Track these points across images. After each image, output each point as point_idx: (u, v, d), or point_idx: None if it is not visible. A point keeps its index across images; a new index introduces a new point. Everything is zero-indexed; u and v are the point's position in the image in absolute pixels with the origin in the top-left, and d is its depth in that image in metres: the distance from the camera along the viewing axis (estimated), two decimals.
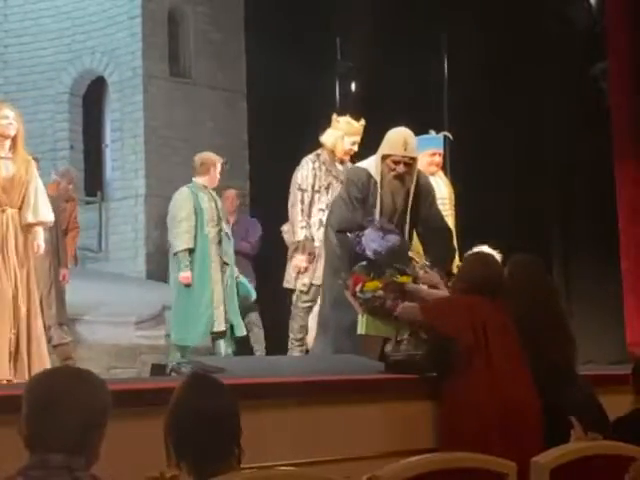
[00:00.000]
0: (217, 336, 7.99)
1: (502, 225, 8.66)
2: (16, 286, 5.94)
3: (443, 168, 7.65)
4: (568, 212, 9.41)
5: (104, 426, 2.60)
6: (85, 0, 13.03)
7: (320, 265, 7.06)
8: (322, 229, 7.09)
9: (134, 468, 3.04)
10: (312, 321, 7.25)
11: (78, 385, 2.57)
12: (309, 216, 7.22)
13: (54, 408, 2.51)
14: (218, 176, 8.14)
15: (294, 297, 7.38)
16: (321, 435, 4.43)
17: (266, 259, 9.04)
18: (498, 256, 6.60)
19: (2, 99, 9.81)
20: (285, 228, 7.43)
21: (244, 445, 2.89)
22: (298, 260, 7.21)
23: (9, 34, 13.32)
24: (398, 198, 6.13)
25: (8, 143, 6.08)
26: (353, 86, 10.98)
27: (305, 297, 7.30)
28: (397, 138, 6.08)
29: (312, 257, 7.17)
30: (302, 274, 7.26)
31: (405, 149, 6.05)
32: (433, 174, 7.11)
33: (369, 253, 5.77)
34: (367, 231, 5.87)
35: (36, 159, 8.21)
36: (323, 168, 7.26)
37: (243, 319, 8.40)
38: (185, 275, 7.81)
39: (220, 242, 8.00)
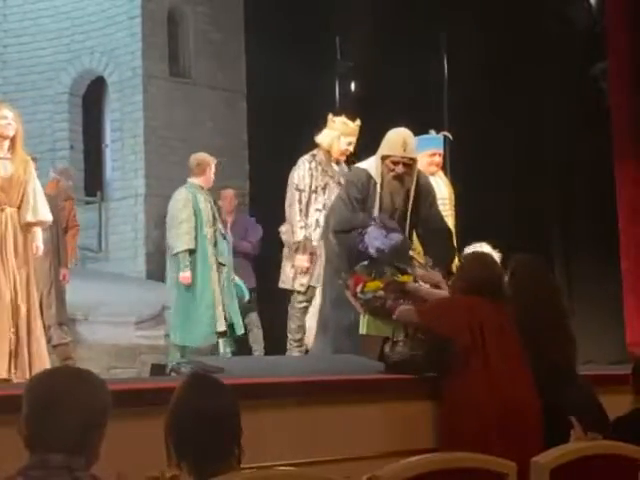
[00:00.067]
0: (218, 336, 7.99)
1: (502, 225, 8.65)
2: (15, 286, 5.93)
3: (443, 168, 7.65)
4: (568, 212, 9.41)
5: (104, 426, 2.60)
6: (84, 0, 13.03)
7: (318, 266, 7.07)
8: (319, 229, 7.10)
9: (134, 468, 3.04)
10: (310, 321, 7.25)
11: (78, 385, 2.57)
12: (307, 216, 7.22)
13: (54, 408, 2.51)
14: (213, 176, 8.15)
15: (291, 297, 7.39)
16: (321, 435, 4.43)
17: (266, 259, 9.03)
18: (497, 255, 6.61)
19: (1, 99, 9.82)
20: (283, 229, 7.42)
21: (244, 445, 2.89)
22: (299, 260, 7.21)
23: (8, 34, 13.32)
24: (398, 198, 6.13)
25: (7, 143, 6.09)
26: (353, 86, 10.98)
27: (301, 297, 7.30)
28: (396, 139, 6.08)
29: (313, 257, 7.17)
30: (303, 274, 7.25)
31: (404, 150, 6.05)
32: (433, 174, 7.11)
33: (372, 251, 5.77)
34: (370, 229, 5.87)
35: (35, 159, 8.22)
36: (319, 168, 7.26)
37: (243, 319, 8.40)
38: (185, 275, 7.81)
39: (216, 243, 8.01)
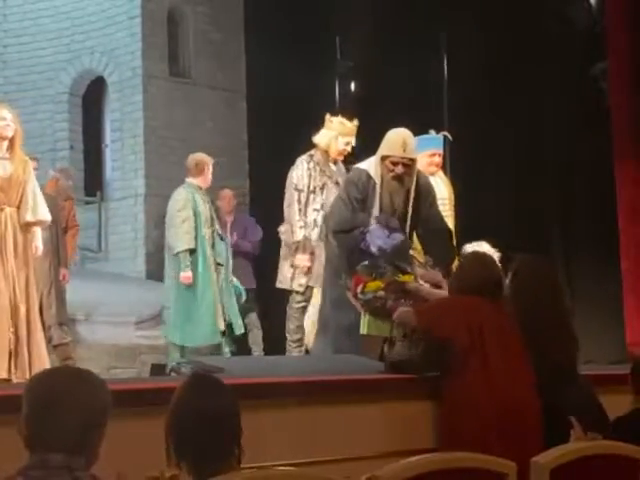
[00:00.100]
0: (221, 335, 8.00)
1: (502, 225, 8.65)
2: (15, 286, 5.94)
3: (443, 168, 7.65)
4: (568, 212, 9.40)
5: (104, 426, 2.60)
6: (84, 0, 13.03)
7: (316, 266, 7.08)
8: (317, 229, 7.11)
9: (134, 468, 3.04)
10: (307, 321, 7.26)
11: (78, 385, 2.57)
12: (306, 216, 7.22)
13: (54, 408, 2.51)
14: (210, 176, 8.15)
15: (289, 298, 7.39)
16: (321, 435, 4.43)
17: (265, 259, 9.03)
18: (496, 255, 6.61)
19: (0, 99, 9.82)
20: (282, 229, 7.42)
21: (244, 445, 2.89)
22: (300, 260, 7.21)
23: (8, 34, 13.32)
24: (397, 199, 6.13)
25: (6, 144, 6.11)
26: (353, 86, 10.98)
27: (299, 297, 7.31)
28: (396, 139, 6.08)
29: (312, 256, 7.17)
30: (305, 274, 7.25)
31: (404, 150, 6.04)
32: (433, 174, 7.11)
33: (374, 249, 5.76)
34: (372, 228, 5.87)
35: (36, 159, 8.23)
36: (317, 168, 7.26)
37: (242, 320, 8.40)
38: (187, 275, 7.81)
39: (213, 244, 8.01)
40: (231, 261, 8.53)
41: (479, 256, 5.37)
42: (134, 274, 12.04)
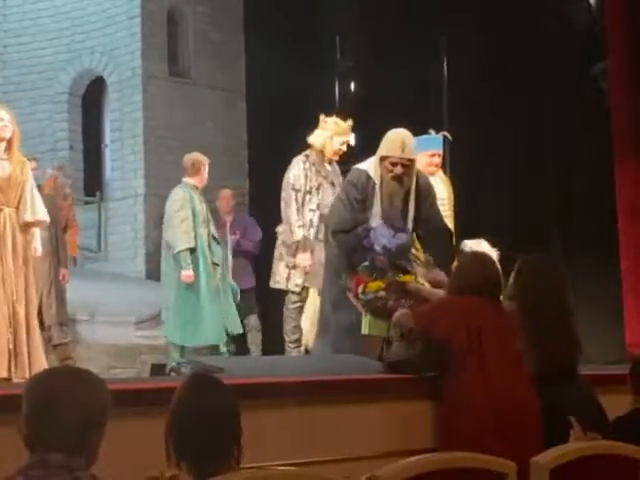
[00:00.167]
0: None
1: (502, 225, 8.64)
2: (13, 287, 5.94)
3: (442, 168, 7.65)
4: (568, 212, 9.39)
5: (104, 426, 2.60)
6: (84, 0, 13.04)
7: (312, 266, 7.10)
8: (313, 229, 7.12)
9: (134, 468, 3.04)
10: (305, 321, 7.26)
11: (78, 385, 2.57)
12: (303, 216, 7.23)
13: (54, 408, 2.51)
14: (206, 176, 8.16)
15: (285, 298, 7.39)
16: (320, 435, 4.43)
17: (265, 259, 9.04)
18: (495, 253, 6.61)
19: None
20: (280, 229, 7.43)
21: (243, 445, 2.89)
22: (301, 259, 7.20)
23: (8, 34, 13.33)
24: (397, 199, 6.12)
25: (3, 145, 6.12)
26: (352, 86, 10.98)
27: (295, 298, 7.31)
28: (395, 139, 6.07)
29: (313, 255, 7.17)
30: (300, 274, 7.26)
31: (403, 151, 6.04)
32: (432, 174, 7.11)
33: (377, 248, 5.75)
34: (377, 225, 5.86)
35: (35, 159, 8.24)
36: (313, 169, 7.27)
37: (242, 321, 8.40)
38: (188, 274, 7.80)
39: (209, 244, 8.01)
40: (230, 260, 8.53)
41: (478, 256, 5.37)
42: (134, 274, 12.05)
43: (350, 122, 7.38)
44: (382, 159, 6.08)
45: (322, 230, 6.97)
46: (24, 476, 2.47)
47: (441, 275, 5.79)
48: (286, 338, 7.35)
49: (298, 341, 7.30)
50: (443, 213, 6.70)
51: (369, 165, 6.17)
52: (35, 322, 6.12)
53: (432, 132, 7.45)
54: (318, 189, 7.24)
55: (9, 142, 6.13)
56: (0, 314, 5.85)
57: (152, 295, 9.98)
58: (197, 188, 8.08)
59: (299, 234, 7.18)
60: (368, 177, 6.10)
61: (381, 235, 5.78)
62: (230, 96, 12.83)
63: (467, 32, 9.55)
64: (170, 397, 2.96)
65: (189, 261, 7.82)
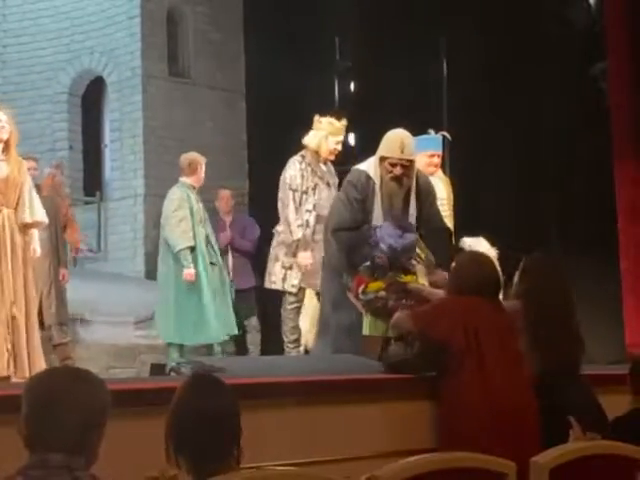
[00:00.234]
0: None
1: (502, 225, 8.65)
2: (12, 287, 5.94)
3: (442, 168, 7.65)
4: (567, 212, 9.40)
5: (103, 426, 2.61)
6: (84, 0, 13.04)
7: (308, 266, 7.10)
8: (309, 230, 7.12)
9: (134, 468, 3.04)
10: (304, 321, 7.26)
11: (77, 385, 2.57)
12: (301, 215, 7.23)
13: (54, 408, 2.51)
14: (203, 175, 8.16)
15: (282, 299, 7.39)
16: (320, 435, 4.43)
17: (265, 259, 9.03)
18: (494, 252, 6.61)
19: None
20: (279, 229, 7.43)
21: (243, 445, 2.89)
22: (303, 257, 7.19)
23: (8, 34, 13.33)
24: (397, 199, 6.12)
25: (1, 146, 6.12)
26: (352, 86, 10.98)
27: (292, 298, 7.31)
28: (394, 140, 6.07)
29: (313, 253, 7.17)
30: (302, 274, 7.25)
31: (402, 151, 6.03)
32: (432, 174, 7.11)
33: (383, 247, 5.74)
34: (384, 224, 5.86)
35: (35, 159, 8.24)
36: (309, 169, 7.27)
37: (242, 321, 8.40)
38: (190, 272, 7.78)
39: (207, 243, 8.01)
40: (231, 260, 8.53)
41: (477, 256, 5.37)
42: (133, 274, 12.05)
43: (344, 121, 7.38)
44: (381, 160, 6.08)
45: (318, 231, 6.99)
46: (24, 476, 2.47)
47: (445, 276, 5.78)
48: (285, 338, 7.34)
49: (297, 341, 7.29)
50: (443, 213, 6.70)
51: (369, 166, 6.17)
52: (35, 322, 6.12)
53: (431, 132, 7.45)
54: (314, 189, 7.24)
55: (7, 143, 6.13)
56: (1, 314, 5.85)
57: (151, 295, 9.94)
58: (194, 188, 8.08)
59: (299, 233, 7.18)
60: (368, 177, 6.10)
61: (388, 235, 5.77)
62: (230, 96, 12.83)
63: (467, 32, 9.55)
64: (170, 397, 2.96)
65: (190, 259, 7.81)
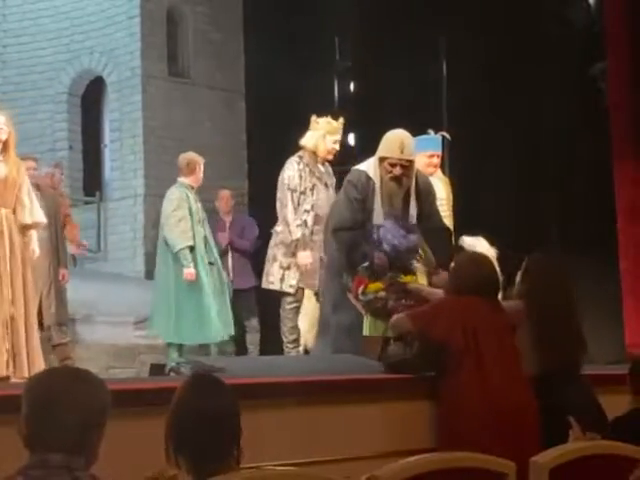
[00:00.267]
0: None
1: (501, 225, 8.65)
2: (11, 288, 5.94)
3: (441, 168, 7.65)
4: (567, 212, 9.40)
5: (103, 426, 2.60)
6: (84, 0, 13.04)
7: (308, 267, 7.11)
8: (307, 230, 7.12)
9: (134, 468, 3.04)
10: (303, 320, 7.26)
11: (77, 385, 2.57)
12: (300, 215, 7.23)
13: (53, 408, 2.51)
14: (202, 175, 8.15)
15: (281, 300, 7.38)
16: (320, 435, 4.43)
17: (264, 259, 9.04)
18: (494, 252, 6.61)
19: None
20: (278, 229, 7.43)
21: (243, 445, 2.89)
22: (303, 257, 7.19)
23: (8, 34, 13.34)
24: (396, 200, 6.12)
25: (0, 146, 6.12)
26: (352, 86, 10.98)
27: (290, 299, 7.30)
28: (393, 140, 6.07)
29: (313, 252, 7.16)
30: (301, 274, 7.26)
31: (402, 152, 6.04)
32: (431, 174, 7.11)
33: (386, 246, 5.74)
34: (387, 223, 5.85)
35: (35, 159, 8.24)
36: (307, 169, 7.27)
37: (242, 322, 8.40)
38: (190, 271, 7.77)
39: (205, 243, 8.01)
40: (230, 260, 8.52)
41: (475, 256, 5.38)
42: (133, 274, 12.05)
43: (342, 121, 7.39)
44: (381, 160, 6.08)
45: (316, 231, 6.99)
46: (24, 476, 2.47)
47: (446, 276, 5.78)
48: (284, 339, 7.34)
49: (296, 341, 7.29)
50: (442, 213, 6.70)
51: (368, 166, 6.17)
52: (34, 323, 6.12)
53: (431, 132, 7.45)
54: (312, 190, 7.25)
55: (5, 143, 6.13)
56: (1, 314, 5.85)
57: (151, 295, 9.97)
58: (193, 188, 8.07)
59: (298, 233, 7.18)
60: (368, 178, 6.10)
61: (391, 235, 5.76)
62: (229, 96, 12.83)
63: (467, 32, 9.56)
64: (170, 397, 2.96)
65: (190, 259, 7.80)
